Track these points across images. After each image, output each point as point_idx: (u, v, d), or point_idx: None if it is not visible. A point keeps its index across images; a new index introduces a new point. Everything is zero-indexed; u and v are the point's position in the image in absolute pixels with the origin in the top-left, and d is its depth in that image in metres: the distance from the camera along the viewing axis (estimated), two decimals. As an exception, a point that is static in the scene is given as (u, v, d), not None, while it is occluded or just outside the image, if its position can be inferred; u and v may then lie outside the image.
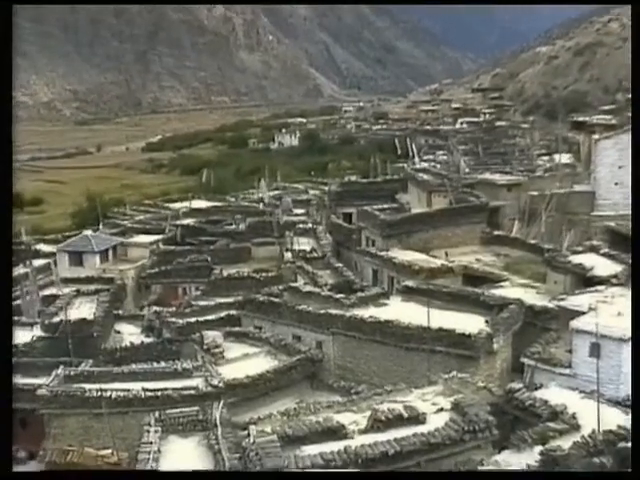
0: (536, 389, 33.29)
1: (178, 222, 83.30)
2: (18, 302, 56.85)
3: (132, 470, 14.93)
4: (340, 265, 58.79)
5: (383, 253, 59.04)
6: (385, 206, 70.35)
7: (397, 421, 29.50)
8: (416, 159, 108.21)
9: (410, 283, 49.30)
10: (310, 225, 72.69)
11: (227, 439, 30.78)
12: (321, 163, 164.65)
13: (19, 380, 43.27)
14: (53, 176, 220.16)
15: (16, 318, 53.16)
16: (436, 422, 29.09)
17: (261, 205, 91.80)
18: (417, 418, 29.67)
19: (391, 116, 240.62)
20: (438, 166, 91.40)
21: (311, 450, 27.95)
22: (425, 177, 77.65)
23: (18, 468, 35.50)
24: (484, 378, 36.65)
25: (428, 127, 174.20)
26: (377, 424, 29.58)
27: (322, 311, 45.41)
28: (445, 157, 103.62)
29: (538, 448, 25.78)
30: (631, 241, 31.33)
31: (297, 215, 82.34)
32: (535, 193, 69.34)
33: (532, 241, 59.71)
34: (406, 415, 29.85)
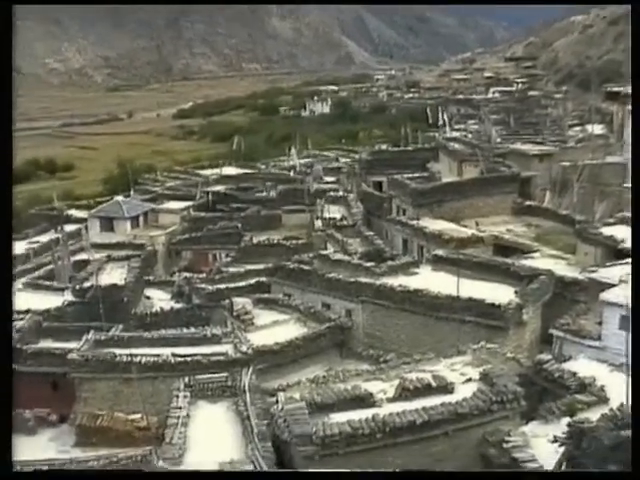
0: (565, 361, 33.22)
1: (209, 189, 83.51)
2: (50, 267, 57.34)
3: (134, 471, 15.19)
4: (370, 233, 58.78)
5: (413, 222, 58.97)
6: (416, 175, 70.17)
7: (425, 390, 29.56)
8: (447, 128, 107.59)
9: (440, 252, 49.26)
10: (341, 193, 72.69)
11: (256, 405, 30.95)
12: (352, 131, 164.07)
13: (50, 344, 43.80)
14: (85, 142, 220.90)
15: (48, 283, 53.79)
16: (464, 392, 29.11)
17: (292, 172, 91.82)
18: (445, 388, 29.71)
19: (423, 85, 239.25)
20: (469, 135, 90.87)
21: (339, 417, 28.08)
22: (456, 146, 77.32)
23: (49, 431, 35.85)
24: (513, 349, 36.65)
25: (460, 96, 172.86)
26: (405, 393, 29.66)
27: (352, 279, 45.47)
28: (477, 126, 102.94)
29: (566, 420, 25.78)
30: (631, 230, 31.08)
31: (328, 183, 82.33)
32: (567, 164, 68.93)
33: (563, 212, 59.39)
34: (434, 384, 29.90)
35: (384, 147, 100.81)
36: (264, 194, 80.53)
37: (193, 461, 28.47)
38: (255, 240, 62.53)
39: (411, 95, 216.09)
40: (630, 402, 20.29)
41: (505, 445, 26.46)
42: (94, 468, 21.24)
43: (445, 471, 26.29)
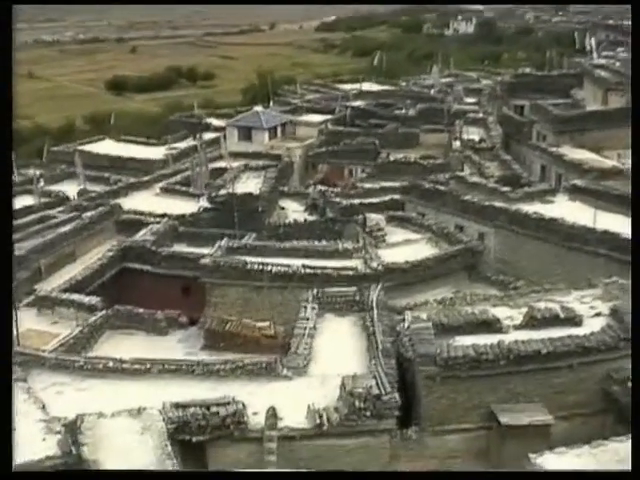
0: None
1: (348, 103, 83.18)
2: (187, 173, 58.40)
3: (136, 471, 15.92)
4: (508, 158, 57.90)
5: (553, 149, 57.82)
6: (559, 101, 68.55)
7: (553, 320, 29.24)
8: (594, 54, 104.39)
9: (578, 182, 48.28)
10: (481, 115, 71.56)
11: (382, 322, 31.14)
12: (496, 52, 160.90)
13: (184, 248, 44.78)
14: (226, 52, 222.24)
15: (184, 188, 54.85)
16: (592, 326, 28.69)
17: (432, 91, 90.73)
18: (573, 320, 29.33)
19: (572, 9, 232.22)
20: (617, 64, 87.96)
21: (464, 341, 28.06)
22: (603, 74, 74.98)
23: (179, 333, 36.88)
24: (646, 286, 35.76)
25: (610, 21, 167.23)
26: (532, 321, 29.41)
27: (487, 203, 45.07)
28: (625, 54, 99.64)
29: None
30: (631, 229, 29.91)
31: (468, 104, 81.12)
32: None
33: None
34: (562, 315, 29.53)
35: (528, 70, 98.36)
36: (403, 112, 79.83)
37: (317, 372, 28.93)
38: (392, 157, 62.23)
39: (558, 19, 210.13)
40: (630, 402, 19.80)
41: (629, 384, 26.05)
42: (95, 469, 22.01)
43: (449, 471, 25.87)
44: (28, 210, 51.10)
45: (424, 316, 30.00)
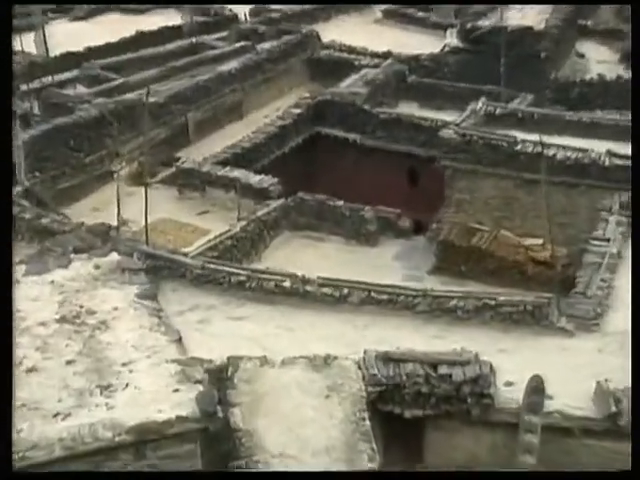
0: None
1: None
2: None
3: (136, 471, 16.63)
4: None
5: None
6: None
7: None
8: None
9: None
10: None
11: None
12: None
13: (414, 110, 44.90)
14: None
15: (420, 14, 55.13)
16: None
17: None
18: None
19: None
20: None
21: None
22: None
23: (396, 243, 37.07)
24: None
25: None
26: None
27: None
28: None
29: None
30: (631, 230, 28.01)
31: None
32: None
33: None
34: None
35: None
36: None
37: (615, 328, 28.35)
38: None
39: None
40: (630, 402, 20.37)
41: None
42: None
43: (448, 471, 24.94)
44: (173, 32, 52.17)
45: None
